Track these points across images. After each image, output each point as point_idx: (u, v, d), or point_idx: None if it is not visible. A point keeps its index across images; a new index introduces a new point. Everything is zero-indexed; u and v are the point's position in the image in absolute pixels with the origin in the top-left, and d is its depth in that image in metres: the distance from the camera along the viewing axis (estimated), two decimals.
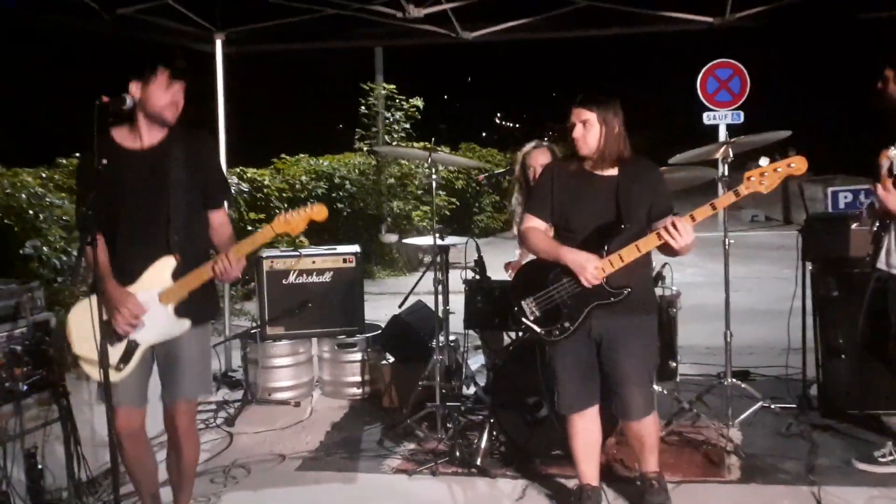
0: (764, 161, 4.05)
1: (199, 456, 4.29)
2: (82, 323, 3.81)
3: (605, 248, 4.09)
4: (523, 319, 4.30)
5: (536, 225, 4.34)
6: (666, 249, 4.11)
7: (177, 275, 3.89)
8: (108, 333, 3.71)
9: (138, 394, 4.03)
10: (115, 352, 3.82)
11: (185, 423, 4.08)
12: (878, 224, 4.74)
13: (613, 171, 4.24)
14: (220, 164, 4.32)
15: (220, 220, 4.11)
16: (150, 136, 3.93)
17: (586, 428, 4.37)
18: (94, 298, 3.67)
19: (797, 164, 3.98)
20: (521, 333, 5.37)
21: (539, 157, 5.70)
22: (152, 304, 3.88)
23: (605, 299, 4.13)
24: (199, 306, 3.97)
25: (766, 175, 3.98)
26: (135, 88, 3.83)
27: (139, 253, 3.90)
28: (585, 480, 4.44)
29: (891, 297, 4.66)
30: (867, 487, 4.56)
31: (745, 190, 4.02)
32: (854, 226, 5.54)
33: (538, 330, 4.27)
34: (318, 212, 3.91)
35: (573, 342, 4.24)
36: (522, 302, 4.30)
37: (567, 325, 4.19)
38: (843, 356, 5.54)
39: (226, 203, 4.21)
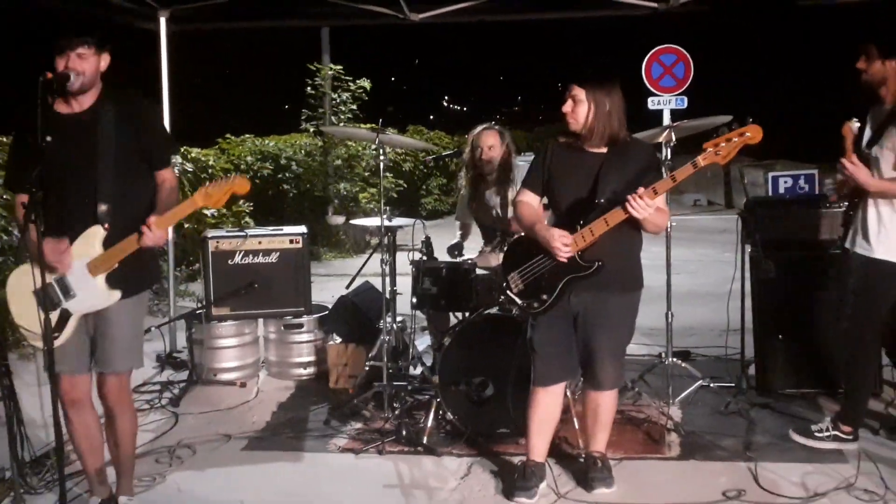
0: (723, 132, 4.16)
1: (135, 429, 4.29)
2: (18, 293, 3.89)
3: (581, 222, 4.20)
4: (507, 292, 4.44)
5: (527, 199, 4.46)
6: (642, 226, 4.23)
7: (107, 244, 3.87)
8: (41, 302, 3.69)
9: (80, 361, 4.03)
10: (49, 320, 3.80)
11: (115, 395, 4.08)
12: (846, 203, 4.85)
13: (603, 149, 4.33)
14: (162, 123, 4.26)
15: (162, 177, 4.05)
16: (80, 100, 3.91)
17: (548, 402, 4.47)
18: (26, 267, 3.75)
19: (752, 133, 4.05)
20: (466, 314, 5.43)
21: (487, 138, 5.81)
22: (82, 274, 3.87)
23: (578, 272, 4.25)
24: (132, 276, 3.95)
25: (723, 146, 4.06)
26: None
27: (69, 221, 3.88)
28: (532, 456, 4.52)
29: (853, 276, 4.75)
30: (802, 463, 4.69)
31: (703, 161, 4.10)
32: (791, 209, 5.69)
33: (520, 302, 4.41)
34: (240, 184, 3.87)
35: (554, 318, 4.36)
36: (509, 276, 4.45)
37: (545, 297, 4.32)
38: (779, 336, 5.68)
39: (168, 161, 4.13)
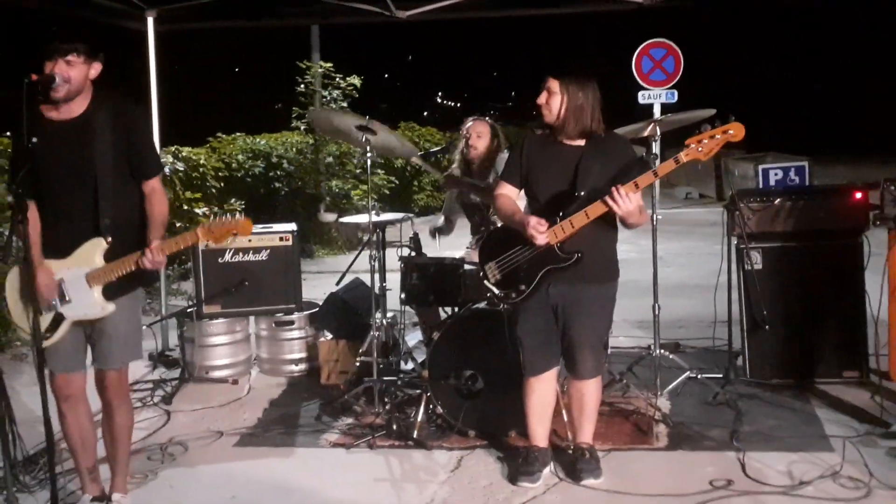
0: (705, 128, 4.20)
1: (132, 422, 4.35)
2: (14, 292, 3.99)
3: (560, 214, 4.25)
4: (485, 282, 4.50)
5: (507, 192, 4.54)
6: (621, 221, 4.28)
7: (108, 257, 3.93)
8: (36, 303, 3.77)
9: (74, 360, 4.09)
10: (43, 321, 3.88)
11: (115, 389, 4.15)
12: None
13: (581, 142, 4.40)
14: (149, 133, 4.30)
15: (151, 187, 4.08)
16: (71, 107, 3.93)
17: (542, 389, 4.56)
18: (16, 271, 3.89)
19: (734, 131, 4.10)
20: (455, 309, 5.46)
21: (476, 126, 5.85)
22: (79, 283, 3.93)
23: (557, 263, 4.31)
24: (126, 278, 3.99)
25: (705, 142, 4.11)
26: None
27: (68, 228, 3.95)
28: (535, 441, 4.61)
29: None
30: (788, 452, 4.73)
31: (685, 157, 4.16)
32: (776, 201, 5.73)
33: (497, 292, 4.47)
34: (244, 227, 3.93)
35: (533, 309, 4.44)
36: (486, 266, 4.51)
37: (523, 287, 4.39)
38: (766, 327, 5.73)
39: (156, 172, 4.16)
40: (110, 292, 4.00)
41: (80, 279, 3.93)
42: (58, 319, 3.96)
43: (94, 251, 3.93)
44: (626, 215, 4.19)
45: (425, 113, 38.89)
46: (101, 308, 3.96)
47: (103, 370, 4.12)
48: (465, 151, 5.92)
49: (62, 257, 3.95)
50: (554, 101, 4.35)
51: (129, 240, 3.94)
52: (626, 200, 4.10)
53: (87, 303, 3.95)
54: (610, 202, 4.12)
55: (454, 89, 48.93)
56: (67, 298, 3.95)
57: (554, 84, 4.35)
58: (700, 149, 4.11)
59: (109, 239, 3.91)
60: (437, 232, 6.23)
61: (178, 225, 9.36)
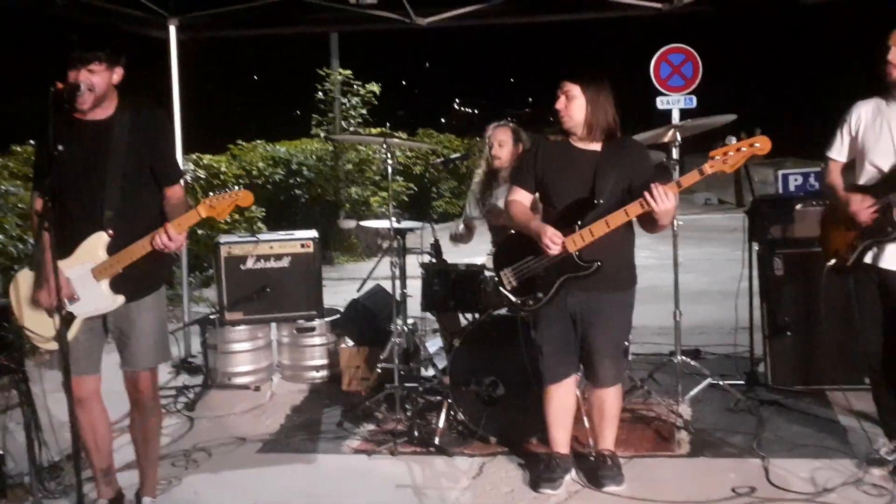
0: (730, 140, 4.17)
1: (161, 421, 4.43)
2: (24, 296, 4.03)
3: (579, 222, 4.24)
4: (500, 289, 4.50)
5: (520, 198, 4.51)
6: (645, 224, 4.25)
7: (111, 250, 3.94)
8: (61, 310, 3.74)
9: (87, 362, 4.12)
10: (53, 324, 3.84)
11: (147, 390, 4.21)
12: None
13: (596, 147, 4.38)
14: (173, 140, 4.34)
15: (171, 192, 4.12)
16: (95, 110, 3.98)
17: (561, 396, 4.55)
18: (29, 272, 3.97)
19: (761, 144, 4.07)
20: (476, 316, 5.47)
21: (498, 134, 5.76)
22: (86, 279, 3.95)
23: (576, 272, 4.30)
24: (145, 276, 4.02)
25: (731, 154, 4.08)
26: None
27: (76, 226, 3.97)
28: (556, 448, 4.60)
29: None
30: (811, 459, 4.71)
31: (709, 169, 4.12)
32: (797, 206, 5.71)
33: (514, 299, 4.47)
34: (244, 197, 3.94)
35: (552, 317, 4.43)
36: (501, 272, 4.50)
37: (540, 295, 4.37)
38: (788, 333, 5.70)
39: (177, 180, 4.20)
40: (135, 292, 4.04)
41: (86, 275, 3.95)
42: (68, 320, 3.93)
43: (96, 245, 3.94)
44: (664, 214, 4.12)
45: (443, 119, 38.93)
46: (112, 301, 3.98)
47: (135, 371, 4.15)
48: (489, 160, 5.84)
49: (67, 255, 3.95)
50: (574, 105, 4.32)
51: (136, 238, 3.92)
52: (666, 199, 4.04)
53: (96, 297, 3.97)
54: (650, 200, 4.05)
55: (472, 95, 48.95)
56: (76, 297, 3.96)
57: (573, 88, 4.31)
58: (725, 161, 4.09)
59: (111, 231, 3.93)
60: (456, 238, 6.21)
61: (199, 232, 9.42)
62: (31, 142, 8.38)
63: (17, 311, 4.10)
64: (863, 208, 4.37)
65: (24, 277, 4.05)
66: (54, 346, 3.83)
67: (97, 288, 3.97)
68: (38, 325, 3.97)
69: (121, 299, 3.99)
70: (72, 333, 3.98)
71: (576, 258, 4.28)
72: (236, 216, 10.28)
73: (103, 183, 3.94)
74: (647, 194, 4.07)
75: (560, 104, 4.35)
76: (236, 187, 4.00)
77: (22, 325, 4.09)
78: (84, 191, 3.97)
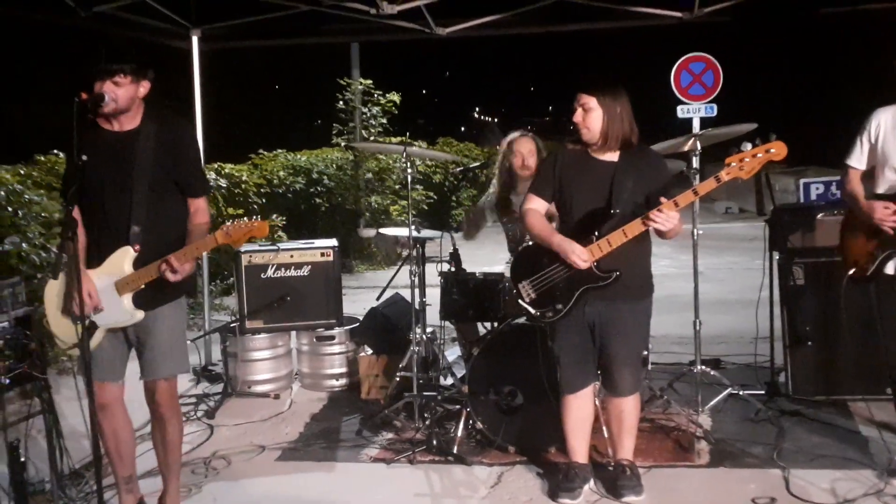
0: (746, 146, 4.17)
1: (182, 431, 4.43)
2: (52, 304, 4.10)
3: (596, 233, 4.24)
4: (519, 301, 4.49)
5: (537, 206, 4.51)
6: (657, 233, 4.26)
7: (137, 265, 4.00)
8: (70, 313, 3.94)
9: (111, 369, 4.17)
10: (76, 331, 3.89)
11: (165, 398, 4.23)
12: None
13: (614, 157, 4.38)
14: (198, 153, 4.38)
15: (196, 206, 4.17)
16: (122, 121, 4.04)
17: (579, 406, 4.55)
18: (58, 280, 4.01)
19: (777, 150, 4.07)
20: (495, 324, 5.48)
21: (527, 143, 5.72)
22: (110, 291, 4.01)
23: (594, 283, 4.30)
24: (161, 289, 4.05)
25: (747, 161, 4.08)
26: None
27: (104, 238, 4.04)
28: (575, 458, 4.60)
29: None
30: (831, 470, 4.68)
31: (726, 176, 4.13)
32: (819, 215, 5.68)
33: (533, 311, 4.46)
34: (260, 228, 3.98)
35: (570, 327, 4.42)
36: (519, 284, 4.50)
37: (560, 307, 4.37)
38: (809, 343, 5.67)
39: (203, 192, 4.25)
40: (153, 302, 4.08)
41: (110, 287, 4.00)
42: (91, 328, 4.00)
43: (122, 259, 4.00)
44: (667, 233, 4.19)
45: (462, 128, 38.98)
46: (131, 316, 4.03)
47: (154, 381, 4.19)
48: (508, 167, 5.76)
49: (95, 266, 4.03)
50: (592, 117, 4.32)
51: (163, 252, 3.97)
52: (667, 218, 4.09)
53: (117, 310, 4.02)
54: (651, 222, 4.11)
55: (491, 104, 49.04)
56: (99, 307, 4.02)
57: (590, 100, 4.31)
58: (742, 168, 4.09)
59: (137, 247, 3.98)
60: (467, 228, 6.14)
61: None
62: (56, 151, 8.48)
63: (49, 317, 4.17)
64: (887, 216, 4.35)
65: (55, 284, 4.10)
66: (76, 352, 3.95)
67: (119, 302, 4.02)
68: (65, 332, 4.04)
69: (140, 315, 4.05)
70: (95, 342, 4.04)
71: (594, 269, 4.28)
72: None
73: (129, 195, 4.00)
74: (650, 215, 4.11)
75: (577, 117, 4.35)
76: (255, 217, 4.03)
77: (50, 330, 4.17)
78: (111, 203, 4.03)
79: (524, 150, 5.68)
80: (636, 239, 4.25)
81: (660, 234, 4.24)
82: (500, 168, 5.87)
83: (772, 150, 4.07)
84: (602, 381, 4.61)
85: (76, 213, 3.76)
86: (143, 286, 4.01)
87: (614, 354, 4.42)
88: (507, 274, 5.68)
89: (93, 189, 3.98)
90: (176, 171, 4.10)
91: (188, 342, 4.42)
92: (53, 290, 4.14)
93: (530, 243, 4.67)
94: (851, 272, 4.56)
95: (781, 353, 5.88)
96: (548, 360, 4.63)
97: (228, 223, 4.00)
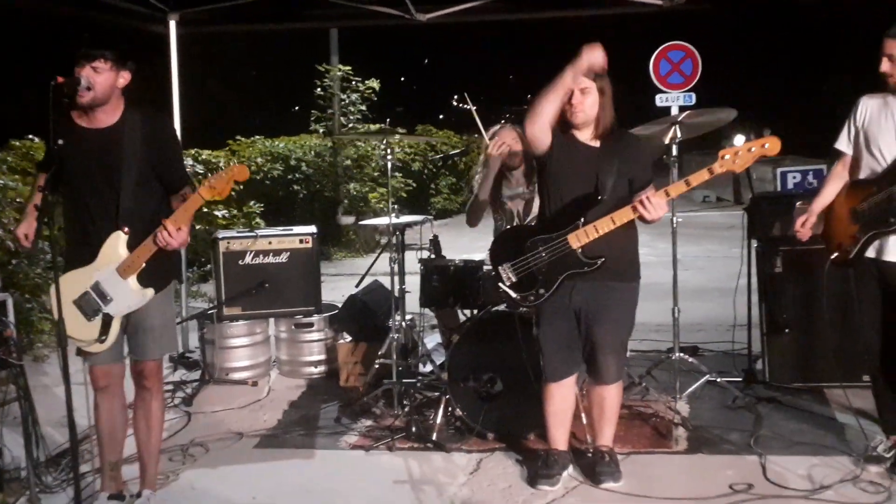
0: (739, 140, 4.17)
1: (164, 411, 4.45)
2: (63, 301, 3.93)
3: (582, 219, 4.24)
4: (500, 284, 4.46)
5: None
6: (639, 217, 4.25)
7: (131, 246, 3.99)
8: (84, 309, 4.00)
9: (115, 353, 4.20)
10: (94, 326, 4.01)
11: (153, 379, 4.28)
12: None
13: (596, 143, 4.37)
14: (179, 146, 4.37)
15: (178, 199, 4.16)
16: (101, 116, 4.00)
17: (562, 395, 4.55)
18: (67, 276, 3.99)
19: (771, 145, 4.08)
20: (475, 312, 5.47)
21: (505, 135, 5.69)
22: (114, 279, 4.00)
23: (579, 268, 4.29)
24: (158, 272, 4.09)
25: (740, 154, 4.09)
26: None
27: (94, 235, 4.03)
28: (554, 445, 4.61)
29: None
30: (808, 456, 4.72)
31: (719, 168, 4.13)
32: (798, 204, 5.70)
33: (514, 295, 4.43)
34: (239, 171, 3.98)
35: (555, 314, 4.41)
36: (500, 267, 4.47)
37: (542, 291, 4.36)
38: (786, 331, 5.71)
39: (184, 184, 4.24)
40: (156, 284, 4.10)
41: (113, 275, 4.00)
42: (107, 321, 4.02)
43: (116, 245, 4.00)
44: (655, 220, 4.20)
45: (441, 116, 38.90)
46: (142, 295, 4.04)
47: (142, 361, 4.22)
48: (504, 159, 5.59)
49: (91, 262, 4.02)
50: (588, 100, 4.30)
51: (147, 233, 3.98)
52: (655, 209, 4.11)
53: (127, 294, 4.02)
54: (641, 209, 4.12)
55: (470, 92, 48.95)
56: (109, 297, 4.01)
57: (588, 83, 4.28)
58: (735, 161, 4.10)
59: (126, 229, 3.97)
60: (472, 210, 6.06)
61: (197, 227, 9.42)
62: (31, 136, 8.39)
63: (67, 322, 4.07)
64: (799, 228, 4.63)
65: (63, 283, 3.97)
66: (98, 347, 4.04)
67: (126, 286, 4.01)
68: (76, 332, 3.98)
69: (150, 293, 4.05)
70: (114, 333, 4.05)
71: (579, 255, 4.28)
72: (235, 212, 10.28)
73: (117, 191, 3.99)
74: (638, 205, 4.12)
75: (576, 99, 4.29)
76: (231, 163, 4.03)
77: (68, 335, 4.08)
78: (99, 199, 4.01)
79: (508, 138, 5.65)
80: (623, 224, 4.25)
81: (641, 218, 4.24)
82: (483, 161, 5.79)
83: (766, 146, 4.08)
84: (587, 369, 4.60)
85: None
86: (143, 265, 3.99)
87: (600, 341, 4.41)
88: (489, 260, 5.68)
89: (78, 188, 3.99)
90: (160, 167, 4.09)
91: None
92: (61, 289, 3.92)
93: (510, 227, 4.65)
94: (834, 256, 4.58)
95: (759, 340, 5.91)
96: (530, 346, 4.61)
97: (210, 177, 3.99)
